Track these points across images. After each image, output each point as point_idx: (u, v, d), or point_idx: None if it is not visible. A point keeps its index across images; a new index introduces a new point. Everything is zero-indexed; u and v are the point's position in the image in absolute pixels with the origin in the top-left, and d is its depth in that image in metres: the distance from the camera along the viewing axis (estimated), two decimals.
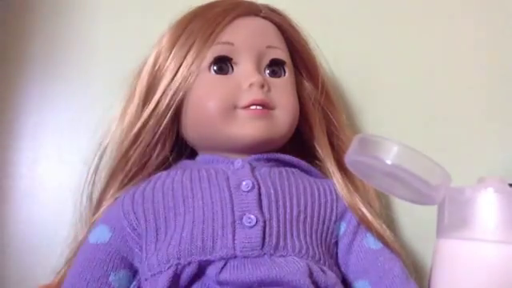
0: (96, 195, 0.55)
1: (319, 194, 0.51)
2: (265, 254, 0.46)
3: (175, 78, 0.52)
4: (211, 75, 0.52)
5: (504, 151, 0.62)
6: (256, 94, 0.51)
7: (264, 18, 0.55)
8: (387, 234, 0.51)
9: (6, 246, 0.62)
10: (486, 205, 0.43)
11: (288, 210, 0.48)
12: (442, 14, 0.67)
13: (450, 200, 0.45)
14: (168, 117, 0.52)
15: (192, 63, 0.51)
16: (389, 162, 0.42)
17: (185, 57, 0.52)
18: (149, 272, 0.46)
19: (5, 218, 0.63)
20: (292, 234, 0.47)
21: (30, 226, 0.63)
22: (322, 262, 0.48)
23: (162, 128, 0.52)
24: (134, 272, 0.49)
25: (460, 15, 0.67)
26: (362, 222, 0.51)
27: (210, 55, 0.52)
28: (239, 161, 0.51)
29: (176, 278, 0.45)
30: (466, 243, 0.43)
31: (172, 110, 0.52)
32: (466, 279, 0.43)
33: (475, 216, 0.44)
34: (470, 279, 0.43)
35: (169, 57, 0.53)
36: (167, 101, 0.52)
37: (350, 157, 0.45)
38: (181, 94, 0.52)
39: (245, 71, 0.52)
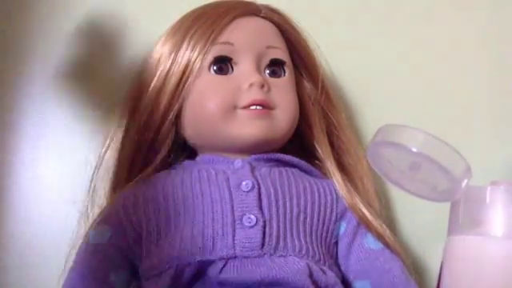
0: (97, 195, 0.55)
1: (319, 194, 0.51)
2: (265, 254, 0.46)
3: (175, 79, 0.52)
4: (211, 75, 0.52)
5: (504, 152, 0.62)
6: (256, 94, 0.51)
7: (264, 17, 0.54)
8: (387, 233, 0.51)
9: (5, 246, 0.62)
10: (506, 204, 0.44)
11: (288, 210, 0.48)
12: (442, 14, 0.67)
13: (467, 198, 0.45)
14: (169, 117, 0.52)
15: (192, 64, 0.51)
16: (414, 149, 0.42)
17: (185, 57, 0.52)
18: (149, 272, 0.46)
19: (4, 218, 0.63)
20: (292, 234, 0.47)
21: (30, 225, 0.62)
22: (321, 262, 0.48)
23: (162, 129, 0.52)
24: (134, 272, 0.49)
25: (460, 15, 0.66)
26: (362, 222, 0.51)
27: (210, 55, 0.52)
28: (239, 161, 0.51)
29: (176, 278, 0.45)
30: (483, 239, 0.44)
31: (173, 110, 0.52)
32: (481, 276, 0.43)
33: (493, 214, 0.44)
34: (485, 276, 0.43)
35: (169, 57, 0.52)
36: (168, 102, 0.52)
37: (373, 147, 0.45)
38: (182, 95, 0.52)
39: (245, 71, 0.52)
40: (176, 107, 0.52)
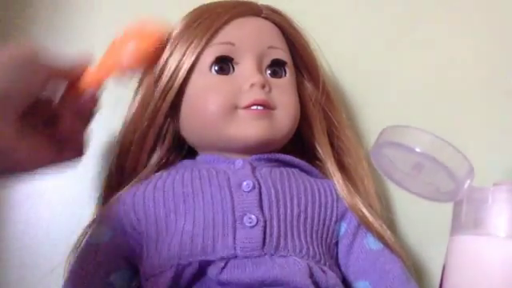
0: (97, 195, 0.55)
1: (320, 195, 0.51)
2: (265, 254, 0.46)
3: (170, 74, 0.52)
4: (212, 75, 0.52)
5: (506, 153, 0.62)
6: (257, 94, 0.51)
7: (265, 18, 0.55)
8: (388, 234, 0.51)
9: (5, 247, 0.62)
10: (508, 205, 0.44)
11: (288, 211, 0.48)
12: (442, 14, 0.67)
13: (470, 198, 0.45)
14: (164, 113, 0.52)
15: (193, 63, 0.51)
16: (418, 149, 0.42)
17: (185, 56, 0.52)
18: (150, 272, 0.46)
19: (4, 219, 0.63)
20: (292, 235, 0.47)
21: (30, 226, 0.62)
22: (322, 262, 0.48)
23: (153, 127, 0.52)
24: (135, 272, 0.49)
25: (460, 16, 0.67)
26: (363, 222, 0.51)
27: (211, 55, 0.52)
28: (240, 161, 0.51)
29: (177, 278, 0.45)
30: (485, 239, 0.44)
31: (167, 107, 0.52)
32: (483, 276, 0.44)
33: (495, 215, 0.44)
34: (488, 276, 0.43)
35: (169, 57, 0.52)
36: (162, 98, 0.52)
37: (377, 148, 0.45)
38: (174, 88, 0.51)
39: (246, 71, 0.52)
40: (169, 102, 0.51)
